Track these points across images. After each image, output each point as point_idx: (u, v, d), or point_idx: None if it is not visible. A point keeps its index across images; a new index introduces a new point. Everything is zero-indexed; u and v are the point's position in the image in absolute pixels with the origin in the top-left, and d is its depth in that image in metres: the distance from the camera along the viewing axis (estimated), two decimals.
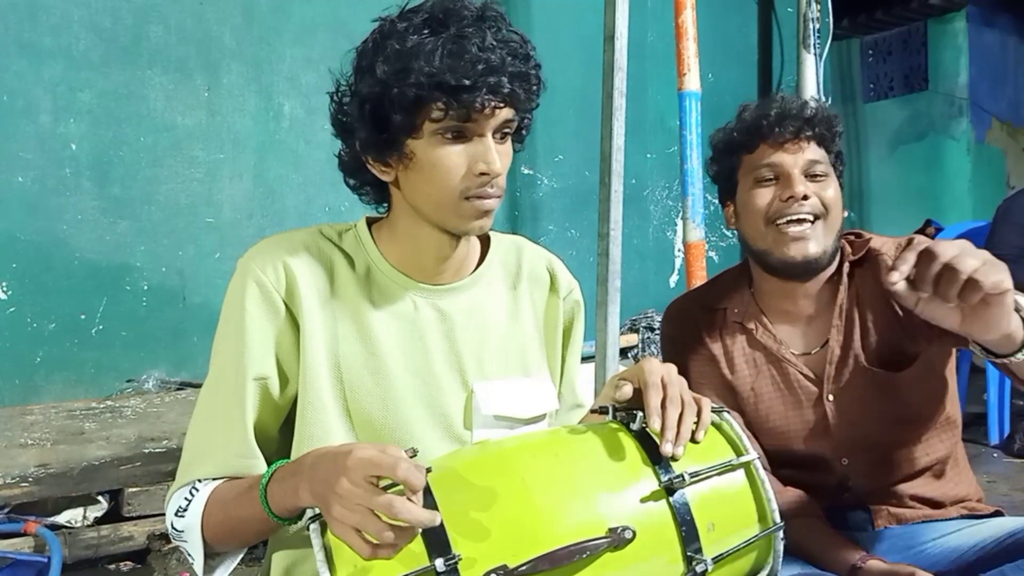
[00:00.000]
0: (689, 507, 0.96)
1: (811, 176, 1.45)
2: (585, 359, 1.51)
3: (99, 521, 2.41)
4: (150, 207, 3.57)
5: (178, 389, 3.47)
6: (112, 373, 3.47)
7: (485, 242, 1.28)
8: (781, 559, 1.03)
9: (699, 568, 0.94)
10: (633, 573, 0.93)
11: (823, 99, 5.16)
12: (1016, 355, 1.20)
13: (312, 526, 0.93)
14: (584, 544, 0.90)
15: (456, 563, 0.88)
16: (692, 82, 3.98)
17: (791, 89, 5.38)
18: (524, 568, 0.88)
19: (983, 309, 1.12)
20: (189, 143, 3.67)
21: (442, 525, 0.90)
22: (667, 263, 5.08)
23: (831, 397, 1.47)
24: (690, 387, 1.51)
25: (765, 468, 1.45)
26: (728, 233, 5.29)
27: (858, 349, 1.47)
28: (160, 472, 2.45)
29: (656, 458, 0.98)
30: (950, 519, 1.48)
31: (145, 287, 3.55)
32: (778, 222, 1.44)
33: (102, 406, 3.16)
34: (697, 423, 1.02)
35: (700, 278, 3.97)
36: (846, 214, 1.53)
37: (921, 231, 5.58)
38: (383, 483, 0.88)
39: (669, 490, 0.96)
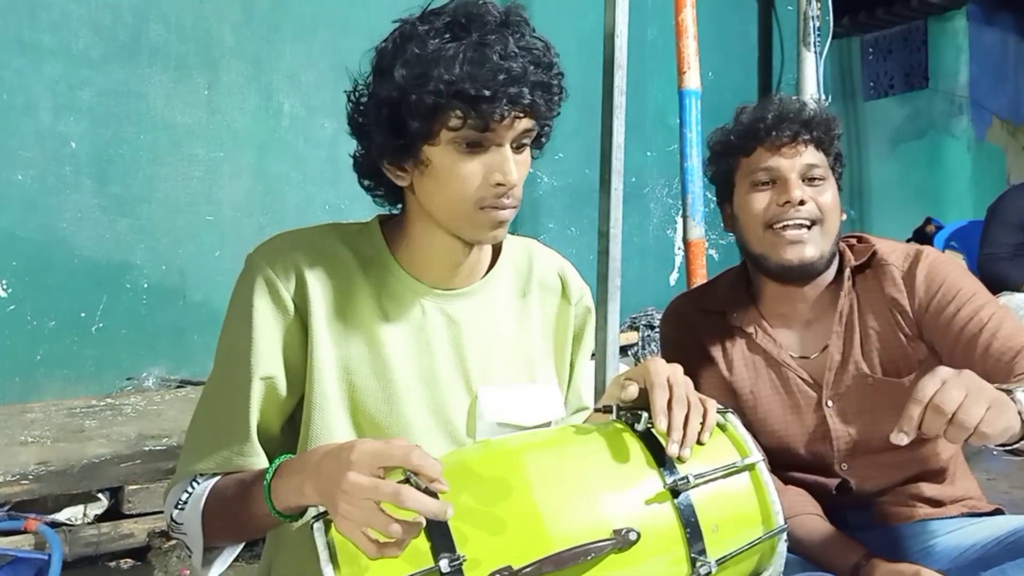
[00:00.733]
0: (694, 509, 0.96)
1: (808, 180, 1.45)
2: None
3: (99, 519, 2.41)
4: (150, 205, 3.57)
5: (178, 387, 3.47)
6: (112, 371, 3.47)
7: (496, 246, 1.26)
8: (784, 561, 1.03)
9: (703, 570, 0.94)
10: (637, 574, 0.93)
11: (823, 97, 5.16)
12: (1017, 444, 1.17)
13: (316, 524, 0.93)
14: (589, 546, 0.90)
15: (460, 564, 0.88)
16: (692, 80, 3.98)
17: (791, 87, 5.38)
18: (529, 569, 0.88)
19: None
20: (189, 141, 3.66)
21: (447, 525, 0.90)
22: (667, 261, 5.09)
23: (830, 403, 1.47)
24: None
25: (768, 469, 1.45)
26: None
27: (858, 356, 1.46)
28: (160, 470, 2.45)
29: (661, 459, 0.98)
30: (951, 517, 1.48)
31: (145, 285, 3.55)
32: (775, 226, 1.44)
33: (102, 404, 3.16)
34: (703, 424, 1.02)
35: (700, 276, 3.97)
36: (844, 217, 1.52)
37: (921, 229, 5.58)
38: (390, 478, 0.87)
39: (674, 492, 0.96)
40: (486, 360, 1.19)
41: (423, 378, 1.15)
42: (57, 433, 2.71)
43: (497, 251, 1.26)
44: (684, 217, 4.05)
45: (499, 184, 1.06)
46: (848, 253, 1.52)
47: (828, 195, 1.45)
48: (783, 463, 1.49)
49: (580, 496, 0.95)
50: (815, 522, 1.40)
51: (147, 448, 2.52)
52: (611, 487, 0.97)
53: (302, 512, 1.01)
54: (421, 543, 0.89)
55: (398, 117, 1.04)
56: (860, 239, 1.56)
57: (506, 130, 1.05)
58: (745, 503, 1.01)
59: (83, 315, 3.42)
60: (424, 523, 0.87)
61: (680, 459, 0.98)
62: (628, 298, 4.33)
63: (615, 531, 0.92)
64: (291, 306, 1.11)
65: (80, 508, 2.39)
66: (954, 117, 7.01)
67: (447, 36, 1.02)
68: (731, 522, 0.99)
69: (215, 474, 1.10)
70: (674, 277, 5.07)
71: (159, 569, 2.43)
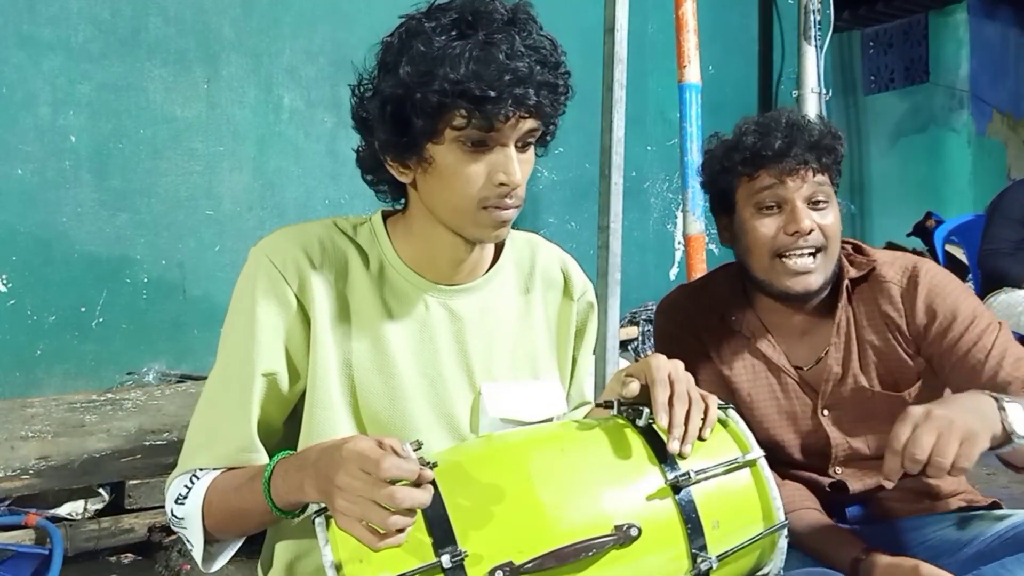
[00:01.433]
0: (695, 505, 0.96)
1: (813, 203, 1.42)
2: None
3: (100, 513, 2.42)
4: (150, 199, 3.57)
5: (178, 382, 3.47)
6: (112, 366, 3.47)
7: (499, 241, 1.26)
8: (784, 556, 1.03)
9: (704, 565, 0.94)
10: (639, 570, 0.93)
11: (824, 91, 5.15)
12: (1005, 447, 1.16)
13: (317, 519, 0.93)
14: (590, 542, 0.90)
15: (462, 559, 0.88)
16: (692, 74, 3.98)
17: (792, 81, 5.37)
18: (530, 565, 0.88)
19: None
20: (189, 135, 3.66)
21: (448, 520, 0.90)
22: (667, 256, 5.09)
23: (826, 412, 1.47)
24: None
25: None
26: None
27: (857, 369, 1.46)
28: (161, 464, 2.45)
29: (662, 455, 0.98)
30: (949, 511, 1.48)
31: (145, 280, 3.55)
32: (783, 255, 1.41)
33: (102, 399, 3.16)
34: (704, 420, 1.02)
35: (700, 270, 3.97)
36: (843, 209, 1.51)
37: (922, 223, 5.58)
38: None
39: (675, 488, 0.96)
40: (489, 356, 1.19)
41: (426, 374, 1.15)
42: (57, 428, 2.71)
43: (500, 246, 1.25)
44: (684, 212, 4.06)
45: (502, 184, 1.05)
46: (847, 265, 1.50)
47: (831, 217, 1.43)
48: (775, 467, 1.48)
49: (581, 492, 0.95)
50: (814, 516, 1.41)
51: (147, 443, 2.52)
52: (612, 483, 0.97)
53: (301, 509, 1.01)
54: (423, 538, 0.89)
55: (402, 115, 1.04)
56: (857, 248, 1.54)
57: (511, 130, 1.04)
58: (746, 499, 1.01)
59: (83, 310, 3.42)
60: (417, 513, 0.88)
61: (681, 455, 0.98)
62: (628, 293, 4.34)
63: (616, 527, 0.92)
64: (294, 301, 1.11)
65: (81, 503, 2.39)
66: (955, 111, 7.00)
67: (453, 34, 1.01)
68: (732, 518, 0.99)
69: (215, 469, 1.10)
70: (674, 272, 5.07)
71: (160, 564, 2.43)
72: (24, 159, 3.31)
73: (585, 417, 1.27)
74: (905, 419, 1.08)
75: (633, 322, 4.35)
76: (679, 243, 5.05)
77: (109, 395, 3.23)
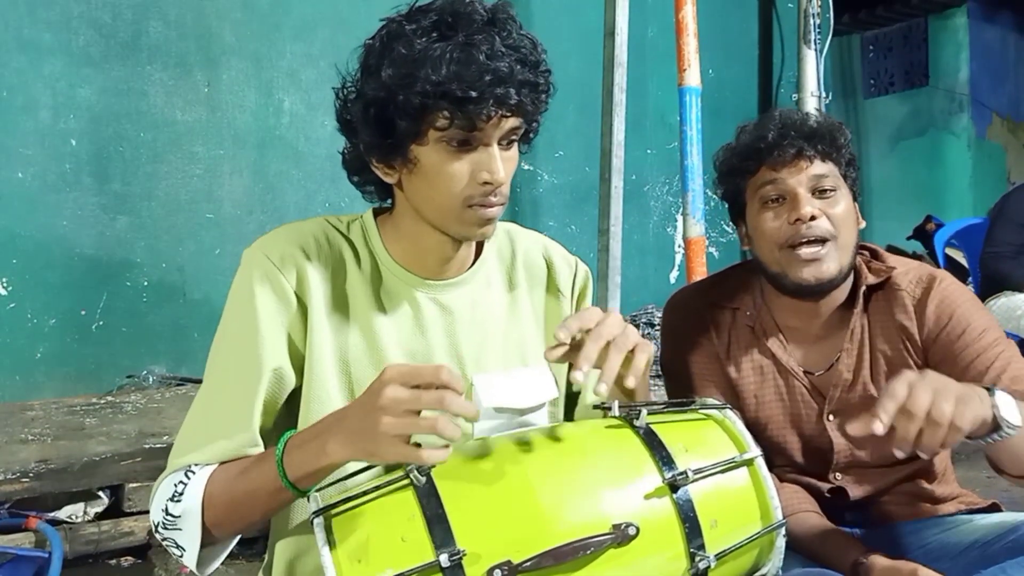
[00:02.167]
0: (692, 504, 0.96)
1: (819, 192, 1.41)
2: None
3: (100, 516, 2.41)
4: (150, 203, 3.58)
5: (178, 385, 3.47)
6: (112, 369, 3.48)
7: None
8: (783, 556, 1.03)
9: (702, 564, 0.94)
10: (637, 569, 0.93)
11: (824, 95, 5.16)
12: (989, 437, 1.16)
13: (316, 519, 0.94)
14: (588, 540, 0.90)
15: (460, 558, 0.88)
16: (692, 78, 3.99)
17: (792, 85, 5.38)
18: (528, 564, 0.88)
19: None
20: (189, 139, 3.67)
21: (447, 519, 0.90)
22: (667, 259, 5.09)
23: (831, 417, 1.46)
24: (692, 381, 1.47)
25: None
26: (728, 229, 5.29)
27: (867, 377, 1.45)
28: (161, 467, 2.42)
29: (660, 455, 0.98)
30: (949, 515, 1.48)
31: (145, 283, 3.55)
32: (791, 245, 1.40)
33: (102, 402, 3.16)
34: (630, 366, 1.02)
35: (700, 274, 3.97)
36: (863, 225, 1.47)
37: (922, 227, 5.59)
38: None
39: (673, 487, 0.96)
40: (480, 347, 1.20)
41: None
42: (57, 431, 2.71)
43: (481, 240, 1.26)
44: (684, 215, 4.06)
45: (486, 183, 1.06)
46: (865, 271, 1.48)
47: (840, 206, 1.41)
48: (779, 466, 1.48)
49: (579, 491, 0.95)
50: (813, 519, 1.40)
51: (147, 446, 2.52)
52: (610, 482, 0.97)
53: (314, 484, 1.01)
54: (421, 537, 0.89)
55: (385, 117, 1.05)
56: (875, 254, 1.53)
57: (493, 129, 1.05)
58: (744, 498, 1.01)
59: (83, 313, 3.42)
60: (417, 510, 0.90)
61: (598, 393, 0.98)
62: (628, 296, 4.34)
63: (614, 526, 0.92)
64: (293, 298, 1.11)
65: (80, 506, 2.39)
66: (954, 115, 7.01)
67: (434, 35, 1.02)
68: (730, 517, 0.99)
69: (210, 464, 1.08)
70: (674, 275, 5.07)
71: (159, 567, 2.43)
72: (25, 163, 3.32)
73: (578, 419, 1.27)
74: (901, 379, 1.06)
75: (633, 325, 4.34)
76: (679, 246, 5.05)
77: (109, 398, 3.24)
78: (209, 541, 1.08)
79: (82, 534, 2.35)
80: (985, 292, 3.45)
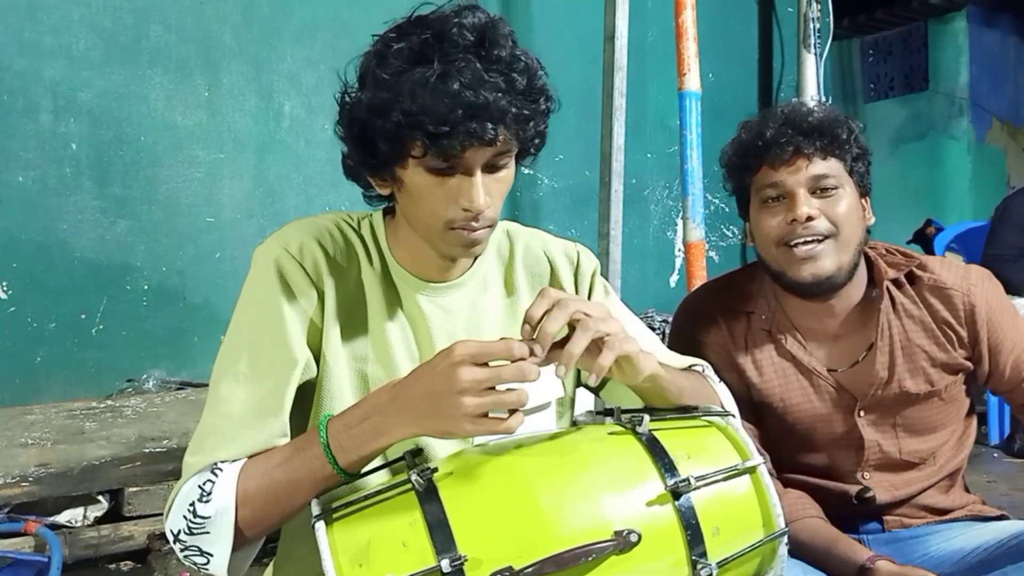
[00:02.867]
0: (695, 511, 0.96)
1: (819, 191, 1.40)
2: None
3: (99, 521, 2.41)
4: (150, 207, 3.57)
5: (178, 389, 3.47)
6: (112, 373, 3.47)
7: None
8: (785, 564, 1.03)
9: (704, 572, 0.94)
10: None
11: (823, 99, 5.16)
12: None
13: (317, 523, 0.93)
14: (590, 547, 0.90)
15: (462, 564, 0.88)
16: (692, 82, 3.98)
17: (791, 89, 5.38)
18: (529, 570, 0.88)
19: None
20: (189, 143, 3.67)
21: (448, 525, 0.90)
22: (667, 263, 5.09)
23: (863, 413, 1.46)
24: None
25: (771, 474, 1.45)
26: (728, 233, 5.29)
27: (903, 373, 1.44)
28: (160, 472, 2.45)
29: (662, 462, 0.98)
30: (956, 520, 1.48)
31: (145, 287, 3.55)
32: (787, 243, 1.40)
33: (102, 406, 3.16)
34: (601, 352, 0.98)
35: (700, 278, 3.97)
36: (871, 220, 1.46)
37: (922, 231, 5.59)
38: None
39: (675, 494, 0.96)
40: None
41: None
42: (57, 435, 2.71)
43: None
44: (684, 219, 4.05)
45: (463, 208, 1.05)
46: (881, 264, 1.48)
47: (842, 204, 1.39)
48: (804, 469, 1.48)
49: (581, 497, 0.95)
50: (819, 525, 1.40)
51: (147, 450, 2.52)
52: (612, 488, 0.97)
53: (363, 467, 1.01)
54: (423, 542, 0.89)
55: (367, 138, 1.05)
56: (889, 249, 1.52)
57: (473, 156, 1.03)
58: (746, 506, 1.01)
59: (83, 317, 3.42)
60: (418, 518, 0.91)
61: (558, 376, 0.96)
62: (628, 300, 4.31)
63: (616, 532, 0.92)
64: (313, 290, 1.11)
65: (80, 510, 2.39)
66: (954, 119, 7.02)
67: (415, 59, 1.00)
68: (732, 525, 0.99)
69: (236, 460, 1.04)
70: (674, 279, 5.07)
71: (159, 571, 2.42)
72: (25, 166, 3.32)
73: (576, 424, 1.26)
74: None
75: None
76: (679, 250, 5.05)
77: (109, 402, 3.23)
78: (238, 544, 1.03)
79: (82, 538, 2.34)
80: None
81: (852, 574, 1.32)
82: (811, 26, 5.09)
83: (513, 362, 0.93)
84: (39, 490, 2.30)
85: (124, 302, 3.50)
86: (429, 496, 0.92)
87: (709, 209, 4.32)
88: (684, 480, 0.96)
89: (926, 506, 1.48)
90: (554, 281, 1.29)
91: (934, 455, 1.48)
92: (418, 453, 0.97)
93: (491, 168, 1.06)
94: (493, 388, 0.91)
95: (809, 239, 1.38)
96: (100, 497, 2.41)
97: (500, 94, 0.99)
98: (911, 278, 1.48)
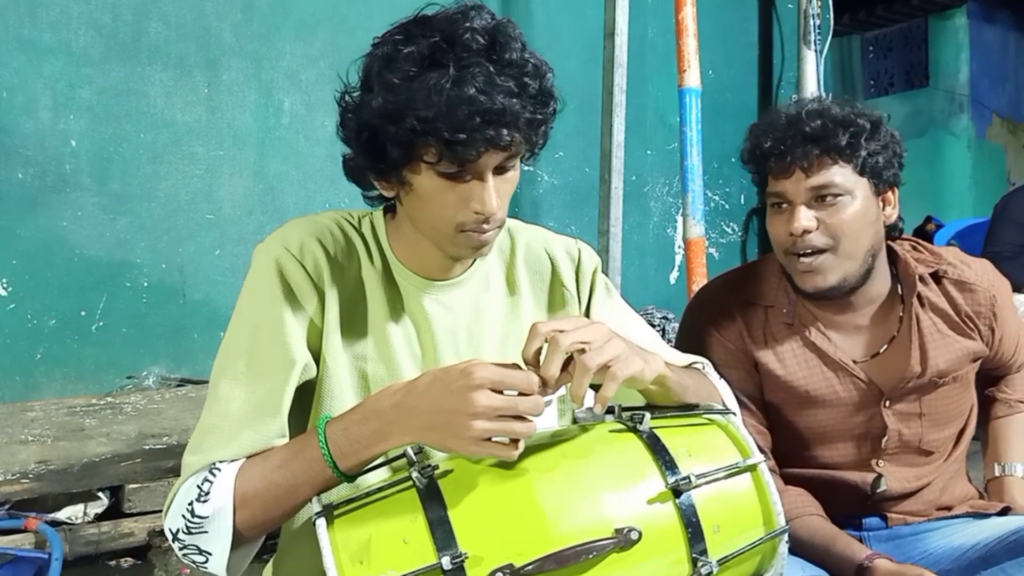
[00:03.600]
0: (695, 509, 0.96)
1: (820, 199, 1.38)
2: None
3: (100, 517, 2.41)
4: (150, 204, 3.57)
5: (178, 385, 3.47)
6: (112, 370, 3.47)
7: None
8: (785, 562, 1.03)
9: (704, 570, 0.94)
10: (639, 574, 0.93)
11: (823, 96, 5.15)
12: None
13: (318, 520, 0.93)
14: (590, 544, 0.90)
15: (462, 561, 0.88)
16: (692, 78, 3.98)
17: (791, 86, 5.38)
18: (530, 567, 0.88)
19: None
20: (189, 139, 3.67)
21: (449, 523, 0.90)
22: (667, 260, 5.09)
23: (888, 403, 1.46)
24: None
25: (774, 471, 1.45)
26: (728, 229, 5.29)
27: (932, 364, 1.45)
28: (161, 468, 2.45)
29: (663, 459, 0.98)
30: (957, 517, 1.49)
31: (145, 284, 3.55)
32: (792, 252, 1.40)
33: (102, 402, 3.16)
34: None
35: (700, 275, 3.97)
36: (891, 220, 1.44)
37: (922, 227, 5.59)
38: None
39: (676, 492, 0.96)
40: (480, 346, 1.20)
41: (427, 366, 1.16)
42: (57, 432, 2.71)
43: None
44: (684, 216, 4.05)
45: (475, 211, 1.05)
46: (910, 261, 1.48)
47: (845, 213, 1.37)
48: (820, 460, 1.48)
49: (582, 495, 0.95)
50: (818, 523, 1.40)
51: (147, 447, 2.52)
52: (613, 486, 0.97)
53: (362, 469, 1.01)
54: (424, 540, 0.89)
55: (377, 142, 1.03)
56: (915, 246, 1.52)
57: (486, 161, 1.03)
58: (747, 504, 1.01)
59: (83, 314, 3.42)
60: (419, 516, 0.92)
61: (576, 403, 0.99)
62: (628, 297, 4.31)
63: (617, 530, 0.92)
64: (314, 289, 1.11)
65: (80, 507, 2.39)
66: (954, 115, 7.02)
67: (427, 63, 0.99)
68: (733, 522, 0.99)
69: (234, 460, 1.04)
70: (674, 276, 5.07)
71: (159, 568, 2.43)
72: (24, 163, 3.31)
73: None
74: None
75: None
76: (679, 247, 5.05)
77: (109, 399, 3.23)
78: (236, 543, 1.03)
79: (82, 535, 2.34)
80: None
81: (851, 572, 1.32)
82: (811, 22, 5.08)
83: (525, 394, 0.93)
84: (39, 487, 2.30)
85: (124, 299, 3.50)
86: (430, 494, 0.93)
87: (709, 206, 4.32)
88: (685, 478, 0.96)
89: (931, 500, 1.48)
90: (555, 279, 1.29)
91: (946, 445, 1.50)
92: (419, 451, 0.97)
93: (500, 170, 1.06)
94: (504, 417, 0.92)
95: (808, 252, 1.38)
96: (100, 494, 2.41)
97: (514, 99, 0.99)
98: (936, 275, 1.49)
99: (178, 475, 1.06)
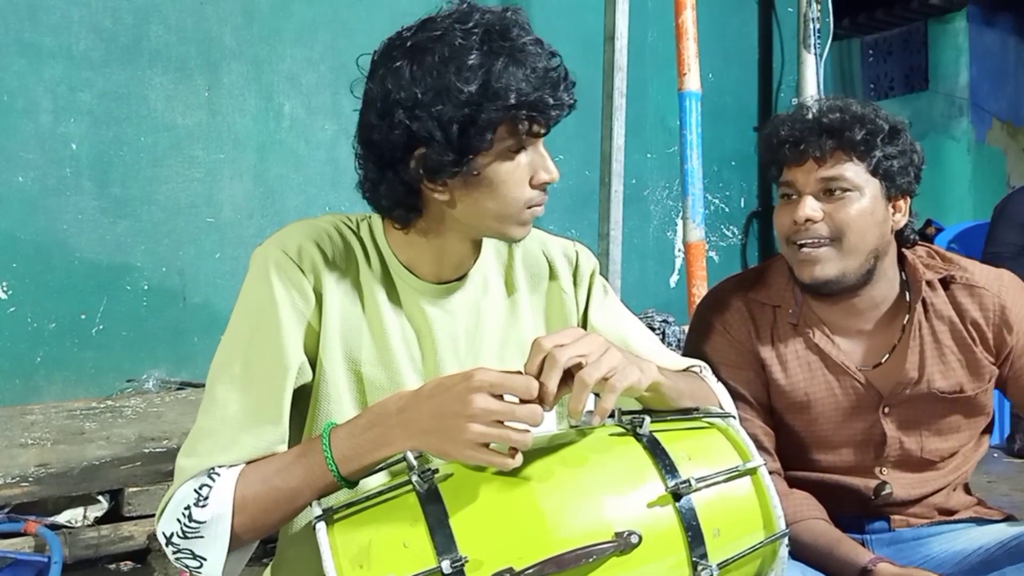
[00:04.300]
0: (695, 512, 0.96)
1: (828, 193, 1.38)
2: None
3: (99, 521, 2.41)
4: (150, 207, 3.58)
5: (178, 389, 3.47)
6: (112, 373, 3.47)
7: None
8: (785, 565, 1.03)
9: (704, 574, 0.94)
10: None
11: (818, 99, 5.16)
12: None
13: (318, 524, 0.93)
14: (590, 548, 0.90)
15: (462, 565, 0.88)
16: (692, 82, 3.99)
17: (791, 89, 5.39)
18: (530, 571, 0.88)
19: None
20: (189, 143, 3.67)
21: (449, 526, 0.90)
22: (667, 263, 5.09)
23: (887, 410, 1.45)
24: (720, 374, 1.41)
25: (779, 473, 1.45)
26: (728, 233, 5.29)
27: (932, 373, 1.44)
28: (160, 472, 2.45)
29: (663, 463, 0.98)
30: (959, 522, 1.48)
31: (145, 287, 3.55)
32: (793, 242, 1.40)
33: (102, 406, 3.16)
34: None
35: (700, 278, 3.97)
36: (902, 221, 1.42)
37: (922, 230, 5.58)
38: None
39: (676, 495, 0.96)
40: (483, 349, 1.20)
41: (427, 369, 1.16)
42: (57, 435, 2.71)
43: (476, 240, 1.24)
44: (684, 219, 4.06)
45: (544, 182, 1.11)
46: (919, 267, 1.47)
47: (852, 208, 1.36)
48: (823, 465, 1.48)
49: (582, 498, 0.95)
50: (822, 526, 1.39)
51: (147, 450, 2.52)
52: (613, 490, 0.96)
53: (363, 476, 1.01)
54: (424, 543, 0.89)
55: (464, 133, 1.03)
56: (930, 252, 1.51)
57: (543, 129, 1.09)
58: (747, 507, 1.01)
59: (83, 317, 3.42)
60: (419, 519, 0.91)
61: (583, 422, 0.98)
62: (628, 300, 4.32)
63: (617, 534, 0.92)
64: (312, 293, 1.10)
65: (80, 510, 2.39)
66: (954, 119, 7.02)
67: (487, 48, 1.03)
68: (733, 526, 0.98)
69: (233, 465, 1.04)
70: (674, 279, 5.07)
71: (159, 571, 2.43)
72: (25, 166, 3.32)
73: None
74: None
75: None
76: (679, 250, 5.05)
77: (109, 402, 3.23)
78: (233, 547, 1.02)
79: (82, 538, 2.34)
80: None
81: (854, 575, 1.32)
82: (811, 26, 5.09)
83: (525, 401, 0.93)
84: (39, 490, 2.30)
85: (124, 302, 3.50)
86: (430, 497, 0.92)
87: (709, 209, 4.33)
88: (685, 481, 0.96)
89: (936, 506, 1.48)
90: (553, 281, 1.28)
91: (953, 456, 1.48)
92: (419, 455, 0.97)
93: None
94: (502, 423, 0.92)
95: (810, 241, 1.38)
96: (100, 497, 2.41)
97: (562, 71, 1.08)
98: (946, 281, 1.47)
99: None
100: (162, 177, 3.61)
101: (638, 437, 1.02)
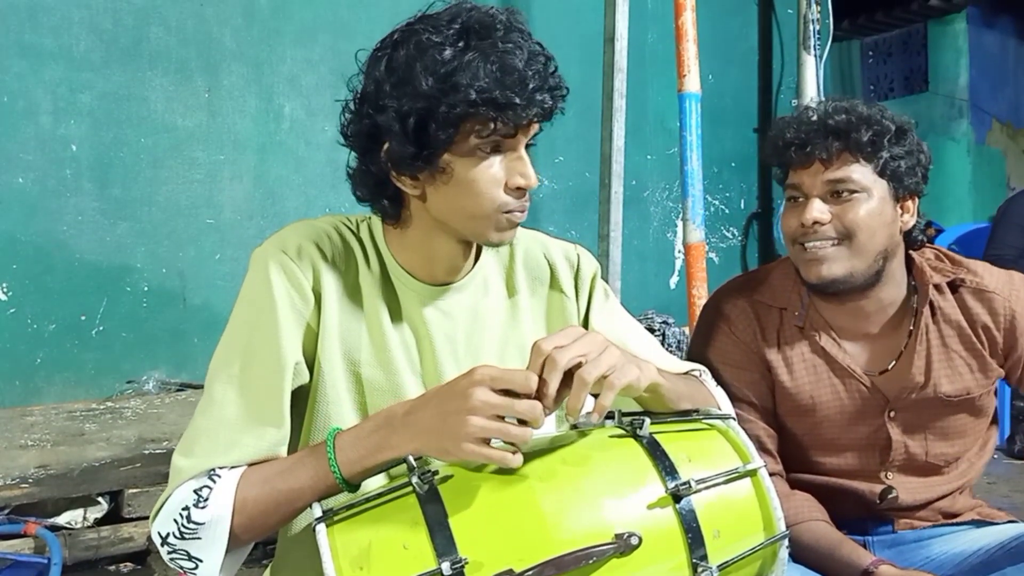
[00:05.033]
0: (695, 514, 0.95)
1: (836, 195, 1.37)
2: None
3: (99, 522, 2.41)
4: (150, 208, 3.58)
5: (178, 390, 3.47)
6: (112, 374, 3.47)
7: None
8: (786, 567, 1.03)
9: (704, 575, 0.94)
10: None
11: (822, 101, 5.16)
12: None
13: (318, 526, 0.93)
14: (590, 550, 0.90)
15: (462, 566, 0.88)
16: (692, 83, 3.98)
17: (791, 91, 5.39)
18: (530, 573, 0.88)
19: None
20: (189, 144, 3.67)
21: (449, 528, 0.90)
22: (667, 264, 5.09)
23: (892, 414, 1.45)
24: (722, 377, 1.42)
25: (782, 475, 1.45)
26: (728, 234, 5.29)
27: (939, 377, 1.43)
28: (160, 473, 2.45)
29: (663, 465, 0.98)
30: (961, 524, 1.48)
31: (145, 288, 3.55)
32: (800, 242, 1.40)
33: (102, 407, 3.16)
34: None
35: (700, 279, 3.97)
36: (910, 223, 1.41)
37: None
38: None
39: (676, 497, 0.96)
40: (479, 351, 1.20)
41: (426, 371, 1.15)
42: (57, 436, 2.71)
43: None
44: (684, 220, 4.05)
45: (519, 188, 1.08)
46: (927, 270, 1.46)
47: (860, 210, 1.36)
48: (828, 468, 1.48)
49: (582, 500, 0.95)
50: (823, 528, 1.39)
51: (147, 451, 2.52)
52: (613, 491, 0.96)
53: (365, 479, 1.01)
54: (424, 545, 0.89)
55: (423, 127, 1.03)
56: (939, 255, 1.50)
57: (523, 134, 1.07)
58: (747, 509, 1.00)
59: (83, 318, 3.42)
60: (419, 520, 0.91)
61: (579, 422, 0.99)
62: (628, 301, 4.33)
63: (617, 535, 0.91)
64: (311, 294, 1.10)
65: (80, 512, 2.39)
66: (954, 120, 7.02)
67: (462, 44, 1.02)
68: (733, 528, 0.98)
69: (234, 467, 1.03)
70: (674, 280, 5.07)
71: (158, 573, 2.43)
72: (25, 168, 3.32)
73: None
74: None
75: None
76: (679, 252, 5.05)
77: (109, 404, 3.24)
78: (230, 548, 1.02)
79: (81, 540, 2.34)
80: None
81: None
82: (811, 28, 5.09)
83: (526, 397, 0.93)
84: (39, 491, 2.30)
85: (124, 304, 3.50)
86: (430, 499, 0.92)
87: (709, 210, 4.33)
88: (685, 483, 0.96)
89: (940, 509, 1.48)
90: (554, 284, 1.28)
91: (958, 460, 1.48)
92: (419, 457, 0.97)
93: (526, 150, 1.10)
94: (502, 418, 0.92)
95: (815, 241, 1.38)
96: (100, 499, 2.41)
97: (549, 71, 1.05)
98: (954, 285, 1.46)
99: None
100: (162, 178, 3.61)
101: (638, 438, 1.02)
